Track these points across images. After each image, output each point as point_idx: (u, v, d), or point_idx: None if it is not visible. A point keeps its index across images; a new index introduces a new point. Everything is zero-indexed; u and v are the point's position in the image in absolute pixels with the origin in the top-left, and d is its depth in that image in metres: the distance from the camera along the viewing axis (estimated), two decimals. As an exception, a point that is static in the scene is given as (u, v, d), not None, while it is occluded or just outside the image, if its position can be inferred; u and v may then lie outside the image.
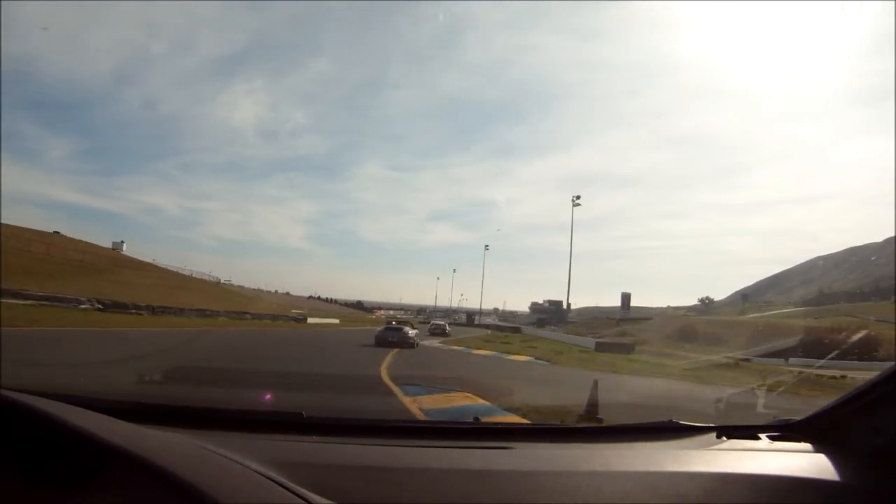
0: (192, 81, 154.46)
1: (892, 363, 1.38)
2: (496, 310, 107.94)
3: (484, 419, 2.10)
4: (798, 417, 1.66)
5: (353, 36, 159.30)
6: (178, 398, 1.89)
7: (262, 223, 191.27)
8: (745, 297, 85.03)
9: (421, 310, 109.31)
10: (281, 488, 1.00)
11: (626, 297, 71.71)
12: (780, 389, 6.64)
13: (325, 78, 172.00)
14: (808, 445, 1.51)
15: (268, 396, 3.36)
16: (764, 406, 3.04)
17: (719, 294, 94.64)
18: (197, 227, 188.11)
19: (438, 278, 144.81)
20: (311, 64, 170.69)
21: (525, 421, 4.62)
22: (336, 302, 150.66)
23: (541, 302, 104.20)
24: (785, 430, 1.63)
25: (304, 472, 1.14)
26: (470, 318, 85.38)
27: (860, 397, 1.43)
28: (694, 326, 38.06)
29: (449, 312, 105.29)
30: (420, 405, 6.65)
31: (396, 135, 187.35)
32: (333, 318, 53.99)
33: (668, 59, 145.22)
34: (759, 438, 1.63)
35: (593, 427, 1.83)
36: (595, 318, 77.76)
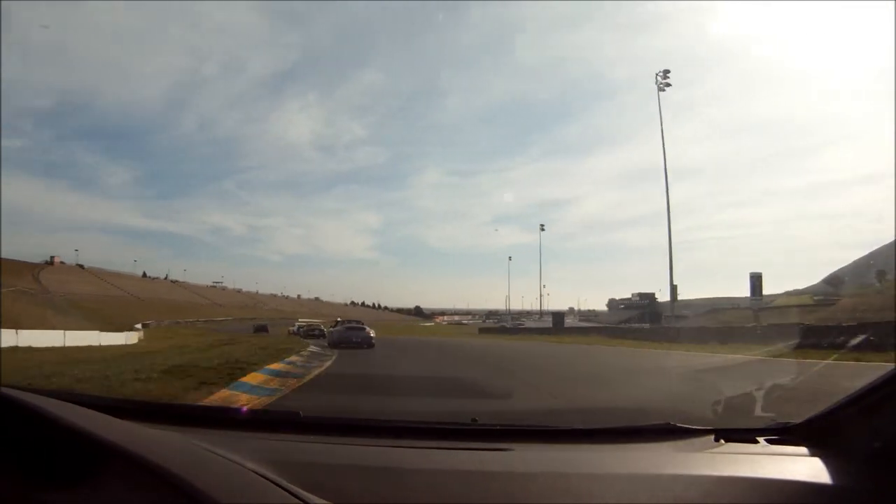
0: (245, 101, 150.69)
1: (893, 366, 1.33)
2: (572, 310, 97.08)
3: (482, 420, 1.95)
4: (796, 420, 1.63)
5: (402, 45, 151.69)
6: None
7: (324, 236, 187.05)
8: (882, 274, 72.84)
9: (492, 313, 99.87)
10: (277, 488, 1.01)
11: (756, 279, 56.70)
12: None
13: (377, 89, 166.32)
14: (806, 449, 1.49)
15: None
16: (762, 409, 2.63)
17: (801, 281, 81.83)
18: (261, 243, 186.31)
19: (511, 257, 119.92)
20: (362, 76, 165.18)
21: (523, 422, 3.25)
22: (387, 308, 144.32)
23: (628, 297, 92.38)
24: (783, 434, 1.60)
25: (301, 471, 1.15)
26: (558, 318, 73.12)
27: (859, 400, 1.40)
28: None
29: (521, 315, 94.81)
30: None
31: (452, 140, 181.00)
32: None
33: (716, 47, 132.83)
34: (757, 441, 1.60)
35: (592, 429, 1.77)
36: (716, 310, 65.64)
